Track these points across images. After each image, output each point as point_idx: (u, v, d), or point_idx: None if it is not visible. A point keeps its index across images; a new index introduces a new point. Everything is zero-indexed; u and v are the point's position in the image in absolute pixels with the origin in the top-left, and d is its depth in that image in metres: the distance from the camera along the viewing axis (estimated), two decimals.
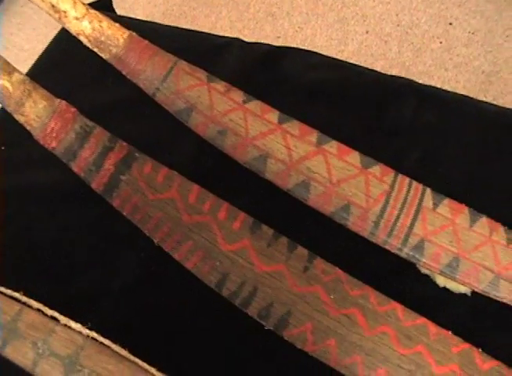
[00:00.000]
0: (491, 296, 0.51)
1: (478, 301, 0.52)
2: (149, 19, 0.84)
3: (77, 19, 0.57)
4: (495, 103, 0.66)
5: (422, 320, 0.50)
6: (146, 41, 0.60)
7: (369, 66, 0.70)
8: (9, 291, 0.50)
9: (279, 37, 1.41)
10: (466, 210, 0.54)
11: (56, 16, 0.57)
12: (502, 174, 0.59)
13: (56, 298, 0.51)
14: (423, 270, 0.54)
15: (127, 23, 0.63)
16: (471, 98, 0.66)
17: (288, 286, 0.50)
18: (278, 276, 0.51)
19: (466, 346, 0.49)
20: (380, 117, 0.64)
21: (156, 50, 0.60)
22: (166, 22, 0.81)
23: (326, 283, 0.50)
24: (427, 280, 0.54)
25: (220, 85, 0.60)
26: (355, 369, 0.48)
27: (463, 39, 1.32)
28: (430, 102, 0.65)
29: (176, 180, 0.55)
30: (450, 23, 1.35)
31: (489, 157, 0.61)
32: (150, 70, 0.59)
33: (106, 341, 0.48)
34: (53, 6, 0.56)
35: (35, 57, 0.80)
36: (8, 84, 0.52)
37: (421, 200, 0.54)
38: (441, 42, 1.33)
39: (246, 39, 0.75)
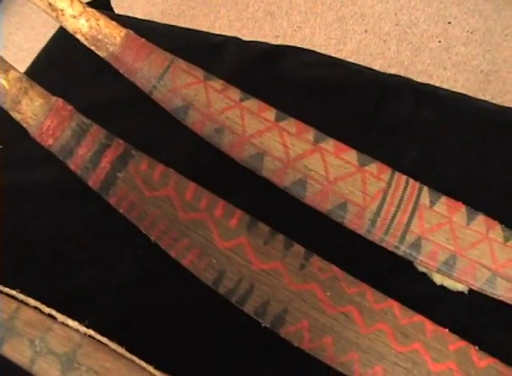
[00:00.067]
0: (488, 294, 0.51)
1: (475, 299, 0.52)
2: (147, 18, 0.84)
3: (74, 17, 0.57)
4: (493, 101, 0.66)
5: (419, 318, 0.50)
6: (143, 40, 0.60)
7: (368, 66, 0.70)
8: (6, 289, 0.50)
9: (277, 36, 1.41)
10: (463, 208, 0.54)
11: (53, 14, 0.57)
12: (500, 172, 0.59)
13: (53, 296, 0.51)
14: (420, 268, 0.54)
15: (124, 21, 0.63)
16: (469, 96, 0.66)
17: (284, 283, 0.50)
18: (274, 273, 0.51)
19: (462, 344, 0.49)
20: (378, 115, 0.64)
21: (153, 48, 0.60)
22: (165, 21, 0.81)
23: (323, 281, 0.50)
24: (424, 278, 0.54)
25: (217, 83, 0.60)
26: (352, 366, 0.48)
27: (462, 38, 1.33)
28: (428, 100, 0.65)
29: (172, 177, 0.55)
30: (449, 23, 1.35)
31: (486, 155, 0.61)
32: (147, 68, 0.59)
33: (104, 339, 0.48)
34: (50, 5, 0.56)
35: (34, 56, 0.80)
36: (4, 82, 0.52)
37: (418, 198, 0.54)
38: (439, 41, 1.33)
39: (244, 38, 0.75)
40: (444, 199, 0.55)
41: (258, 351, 0.52)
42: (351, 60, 0.71)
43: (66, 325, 0.48)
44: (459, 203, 0.55)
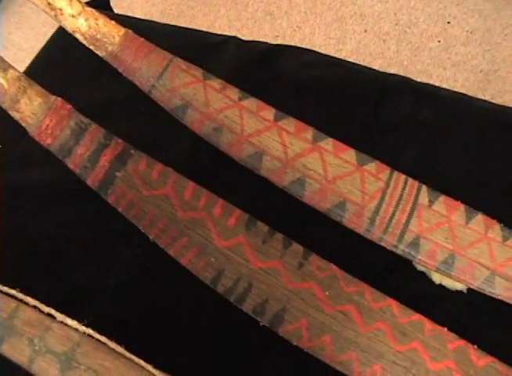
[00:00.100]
0: (486, 293, 0.51)
1: (474, 298, 0.52)
2: (147, 18, 0.84)
3: (72, 16, 0.57)
4: (493, 101, 0.66)
5: (417, 317, 0.50)
6: (142, 39, 0.60)
7: (368, 65, 0.70)
8: (5, 289, 0.50)
9: (277, 36, 1.42)
10: (461, 207, 0.54)
11: (52, 13, 0.57)
12: (499, 171, 0.59)
13: (53, 295, 0.51)
14: (419, 267, 0.54)
15: (124, 21, 0.63)
16: (468, 96, 0.66)
17: (283, 282, 0.50)
18: (273, 272, 0.51)
19: (461, 343, 0.49)
20: (377, 114, 0.64)
21: (151, 47, 0.60)
22: (164, 21, 0.81)
23: (321, 280, 0.50)
24: (423, 277, 0.54)
25: (216, 83, 0.60)
26: (351, 365, 0.48)
27: (462, 38, 1.33)
28: (427, 99, 0.65)
29: (171, 177, 0.55)
30: (448, 22, 1.35)
31: (486, 154, 0.61)
32: (146, 68, 0.59)
33: (103, 338, 0.48)
34: (49, 4, 0.56)
35: (34, 56, 0.80)
36: (3, 81, 0.53)
37: (417, 197, 0.54)
38: (439, 41, 1.33)
39: (244, 38, 0.75)
40: (443, 198, 0.55)
41: (257, 350, 0.52)
42: (350, 60, 0.71)
43: (65, 324, 0.49)
44: (458, 202, 0.54)
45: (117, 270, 0.57)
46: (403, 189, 0.55)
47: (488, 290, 0.51)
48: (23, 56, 0.89)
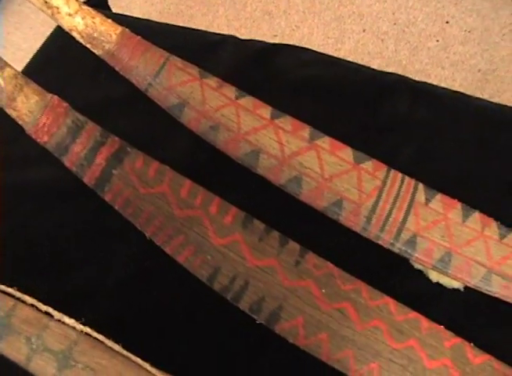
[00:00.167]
0: (483, 291, 0.51)
1: (471, 297, 0.52)
2: (145, 17, 0.84)
3: (69, 15, 0.57)
4: (491, 100, 0.66)
5: (414, 315, 0.50)
6: (139, 37, 0.60)
7: (366, 65, 0.70)
8: (2, 287, 0.50)
9: (275, 35, 1.42)
10: (458, 205, 0.54)
11: (49, 12, 0.57)
12: (495, 170, 0.59)
13: (51, 294, 0.51)
14: (416, 266, 0.54)
15: (121, 20, 0.63)
16: (465, 94, 0.66)
17: (279, 280, 0.50)
18: (269, 270, 0.51)
19: (458, 340, 0.49)
20: (375, 113, 0.64)
21: (148, 46, 0.60)
22: (163, 21, 0.81)
23: (318, 278, 0.50)
24: (420, 276, 0.54)
25: (212, 81, 0.60)
26: (347, 363, 0.48)
27: (460, 37, 1.33)
28: (425, 98, 0.65)
29: (168, 174, 0.55)
30: (447, 22, 1.35)
31: (482, 153, 0.61)
32: (143, 66, 0.59)
33: (100, 337, 0.48)
34: (46, 2, 0.56)
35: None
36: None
37: (413, 195, 0.54)
38: (437, 41, 1.33)
39: (242, 38, 0.75)
40: (439, 196, 0.55)
41: (253, 347, 0.52)
42: (349, 60, 0.71)
43: (63, 323, 0.49)
44: (455, 200, 0.55)
45: (115, 269, 0.57)
46: (400, 187, 0.55)
47: (484, 288, 0.51)
48: (21, 55, 0.89)
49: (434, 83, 0.68)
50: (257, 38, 0.76)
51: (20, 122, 0.54)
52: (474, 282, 0.51)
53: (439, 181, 0.57)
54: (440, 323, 0.49)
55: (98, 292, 0.56)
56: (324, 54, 0.70)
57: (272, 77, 0.68)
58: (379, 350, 0.48)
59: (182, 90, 0.59)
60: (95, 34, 0.58)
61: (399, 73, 0.69)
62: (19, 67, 0.75)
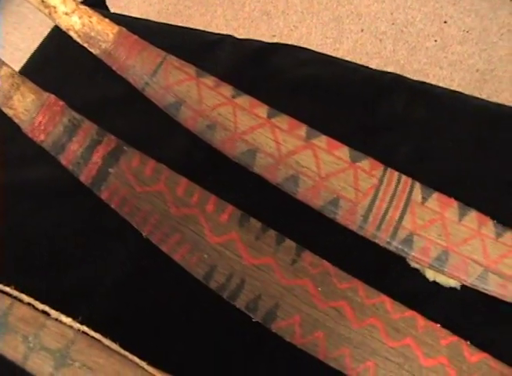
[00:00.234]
0: (480, 289, 0.51)
1: (467, 295, 0.52)
2: (143, 18, 0.84)
3: (66, 14, 0.57)
4: (488, 100, 0.66)
5: (410, 313, 0.50)
6: (136, 37, 0.60)
7: (364, 65, 0.70)
8: (0, 286, 0.50)
9: (274, 35, 1.42)
10: (455, 204, 0.54)
11: (46, 11, 0.57)
12: (492, 169, 0.59)
13: (48, 293, 0.51)
14: (413, 264, 0.54)
15: (119, 20, 0.63)
16: (462, 94, 0.66)
17: (276, 278, 0.50)
18: (266, 268, 0.51)
19: (454, 339, 0.49)
20: (372, 112, 0.65)
21: (145, 45, 0.61)
22: (161, 21, 0.81)
23: (314, 276, 0.51)
24: (417, 274, 0.54)
25: (209, 80, 0.60)
26: (344, 361, 0.48)
27: (458, 37, 1.33)
28: (422, 97, 0.65)
29: (164, 173, 0.55)
30: (445, 22, 1.35)
31: (479, 152, 0.61)
32: (140, 65, 0.59)
33: (97, 335, 0.48)
34: (43, 1, 0.56)
35: None
36: None
37: (410, 194, 0.54)
38: (435, 41, 1.33)
39: (240, 37, 0.75)
40: (436, 195, 0.55)
41: (250, 346, 0.52)
42: (347, 59, 0.71)
43: (60, 321, 0.48)
44: (451, 199, 0.55)
45: (112, 268, 0.57)
46: (396, 186, 0.55)
47: (481, 286, 0.51)
48: (20, 55, 0.89)
49: (433, 83, 0.68)
50: (255, 38, 0.76)
51: (17, 121, 0.55)
52: (471, 280, 0.51)
53: (436, 180, 0.57)
54: (436, 322, 0.50)
55: (95, 291, 0.56)
56: (322, 53, 0.71)
57: (270, 77, 0.68)
58: (375, 348, 0.48)
59: (178, 89, 0.59)
60: (92, 34, 0.58)
61: (397, 73, 0.69)
62: (18, 67, 0.76)
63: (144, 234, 0.53)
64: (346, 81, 0.68)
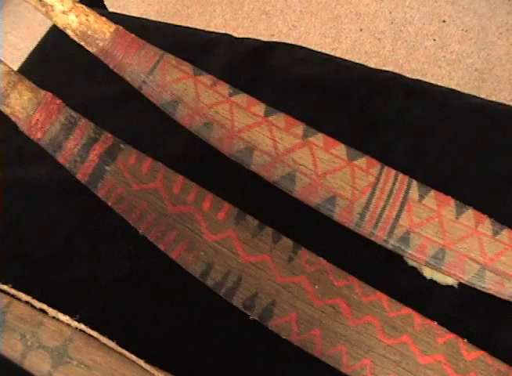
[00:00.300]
0: (477, 287, 0.51)
1: (464, 293, 0.52)
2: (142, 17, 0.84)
3: (63, 13, 0.57)
4: (484, 98, 0.67)
5: (407, 311, 0.50)
6: (133, 35, 0.60)
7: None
8: None
9: (272, 35, 1.42)
10: (452, 202, 0.54)
11: (43, 9, 0.57)
12: (488, 166, 0.59)
13: (45, 291, 0.51)
14: (410, 262, 0.54)
15: (116, 19, 0.63)
16: (458, 92, 0.66)
17: (272, 276, 0.50)
18: (262, 266, 0.51)
19: (451, 336, 0.49)
20: (368, 110, 0.65)
21: (142, 44, 0.61)
22: (160, 20, 0.81)
23: (311, 274, 0.51)
24: (414, 272, 0.54)
25: (206, 78, 0.60)
26: (340, 359, 0.48)
27: (457, 37, 1.33)
28: (418, 95, 0.65)
29: (160, 171, 0.55)
30: (443, 21, 1.35)
31: (476, 150, 0.61)
32: (137, 64, 0.59)
33: (95, 333, 0.48)
34: (40, 0, 0.56)
35: None
36: None
37: (407, 191, 0.54)
38: (434, 40, 1.33)
39: (238, 36, 0.75)
40: (433, 193, 0.55)
41: (246, 343, 0.52)
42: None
43: (58, 319, 0.48)
44: (448, 197, 0.55)
45: (110, 266, 0.57)
46: (393, 184, 0.55)
47: (478, 284, 0.51)
48: (19, 55, 0.89)
49: (431, 82, 0.68)
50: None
51: (14, 119, 0.54)
52: (468, 278, 0.51)
53: (433, 178, 0.57)
54: (433, 320, 0.50)
55: (92, 289, 0.56)
56: (318, 52, 0.71)
57: (267, 75, 0.68)
58: (372, 346, 0.48)
59: (175, 87, 0.59)
60: (89, 32, 0.58)
61: (396, 72, 0.69)
62: (17, 67, 0.76)
63: (140, 232, 0.53)
64: (343, 79, 0.68)
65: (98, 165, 0.54)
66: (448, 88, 0.67)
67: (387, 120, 0.64)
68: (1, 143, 0.67)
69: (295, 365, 0.51)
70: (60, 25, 0.58)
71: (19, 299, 0.49)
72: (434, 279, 0.53)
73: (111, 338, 0.48)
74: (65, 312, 0.49)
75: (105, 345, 0.48)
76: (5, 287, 0.50)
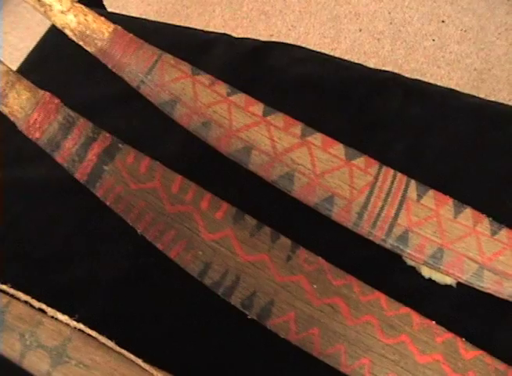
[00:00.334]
0: (475, 287, 0.51)
1: (463, 293, 0.52)
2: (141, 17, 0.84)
3: (62, 12, 0.57)
4: (482, 98, 0.67)
5: (405, 310, 0.50)
6: (131, 35, 0.60)
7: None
8: None
9: (272, 35, 1.42)
10: (450, 201, 0.54)
11: (42, 9, 0.57)
12: (487, 166, 0.59)
13: (44, 291, 0.51)
14: (409, 262, 0.54)
15: (115, 19, 0.63)
16: (457, 91, 0.66)
17: (271, 275, 0.50)
18: (261, 265, 0.51)
19: (449, 336, 0.49)
20: (367, 109, 0.65)
21: (141, 43, 0.61)
22: (159, 20, 0.81)
23: (309, 273, 0.51)
24: (412, 272, 0.54)
25: (204, 78, 0.60)
26: (339, 358, 0.48)
27: (456, 37, 1.33)
28: (417, 95, 0.65)
29: (159, 170, 0.55)
30: (442, 21, 1.35)
31: (474, 149, 0.61)
32: (135, 63, 0.59)
33: (93, 333, 0.48)
34: (39, 0, 0.56)
35: None
36: None
37: (405, 191, 0.54)
38: (433, 40, 1.34)
39: (236, 36, 0.75)
40: (431, 192, 0.55)
41: (245, 343, 0.52)
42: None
43: (56, 319, 0.48)
44: (447, 196, 0.55)
45: (109, 265, 0.57)
46: (392, 183, 0.55)
47: (476, 283, 0.51)
48: (18, 55, 0.89)
49: (430, 82, 0.68)
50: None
51: (12, 119, 0.55)
52: (466, 278, 0.51)
53: (432, 178, 0.57)
54: (432, 319, 0.50)
55: (91, 289, 0.56)
56: (317, 51, 0.71)
57: (265, 75, 0.68)
58: (370, 345, 0.48)
59: (174, 87, 0.59)
60: (88, 32, 0.58)
61: (395, 72, 0.69)
62: (16, 67, 0.76)
63: (139, 231, 0.53)
64: (342, 79, 0.68)
65: (96, 165, 0.54)
66: (447, 88, 0.67)
67: (386, 120, 0.64)
68: (1, 143, 0.67)
69: (294, 364, 0.50)
70: (59, 25, 0.58)
71: (18, 299, 0.49)
72: (433, 278, 0.53)
73: (110, 338, 0.48)
74: (64, 312, 0.49)
75: (104, 344, 0.48)
76: (4, 287, 0.50)
